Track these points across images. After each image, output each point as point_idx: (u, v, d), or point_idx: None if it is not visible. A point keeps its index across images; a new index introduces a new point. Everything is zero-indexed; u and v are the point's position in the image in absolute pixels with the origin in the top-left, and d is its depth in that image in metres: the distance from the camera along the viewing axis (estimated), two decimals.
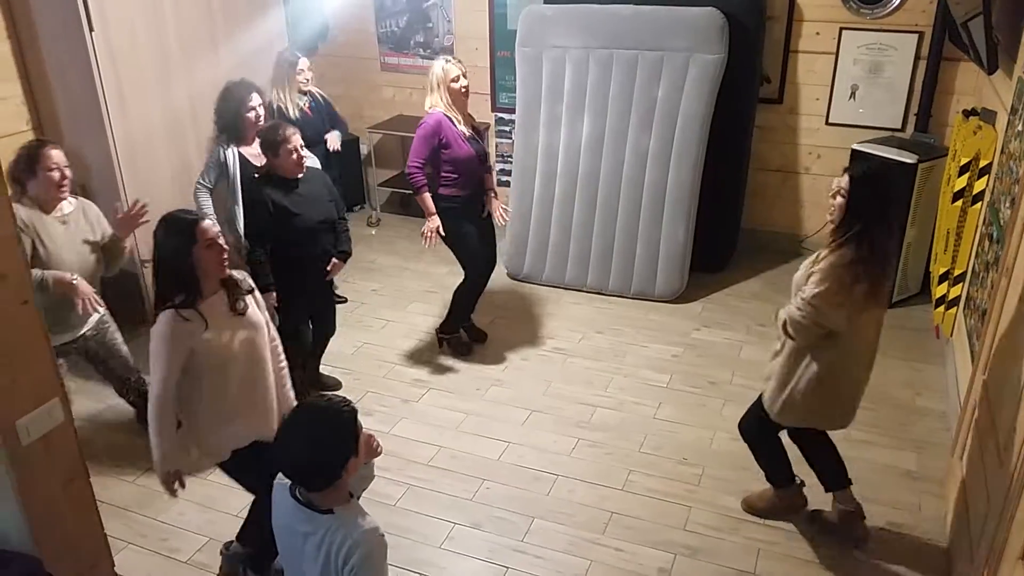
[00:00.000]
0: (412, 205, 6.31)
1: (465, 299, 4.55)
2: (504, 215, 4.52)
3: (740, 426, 3.31)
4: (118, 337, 3.71)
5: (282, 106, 4.67)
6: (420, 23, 6.10)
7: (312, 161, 4.12)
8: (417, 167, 4.08)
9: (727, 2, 4.78)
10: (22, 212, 3.26)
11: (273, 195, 3.62)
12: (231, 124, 4.10)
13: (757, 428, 3.22)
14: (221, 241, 2.59)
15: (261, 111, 4.14)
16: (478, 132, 4.29)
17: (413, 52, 6.15)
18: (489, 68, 6.00)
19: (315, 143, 4.65)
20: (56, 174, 3.34)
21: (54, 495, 2.29)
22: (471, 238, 4.34)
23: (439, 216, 4.18)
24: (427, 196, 4.14)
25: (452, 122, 4.10)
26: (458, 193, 4.20)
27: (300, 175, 3.68)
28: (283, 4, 5.53)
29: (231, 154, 4.12)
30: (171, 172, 4.87)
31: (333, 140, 4.93)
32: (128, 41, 4.49)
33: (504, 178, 6.19)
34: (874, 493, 3.46)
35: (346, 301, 5.19)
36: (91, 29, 4.25)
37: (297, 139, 3.62)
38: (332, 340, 4.61)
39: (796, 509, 3.33)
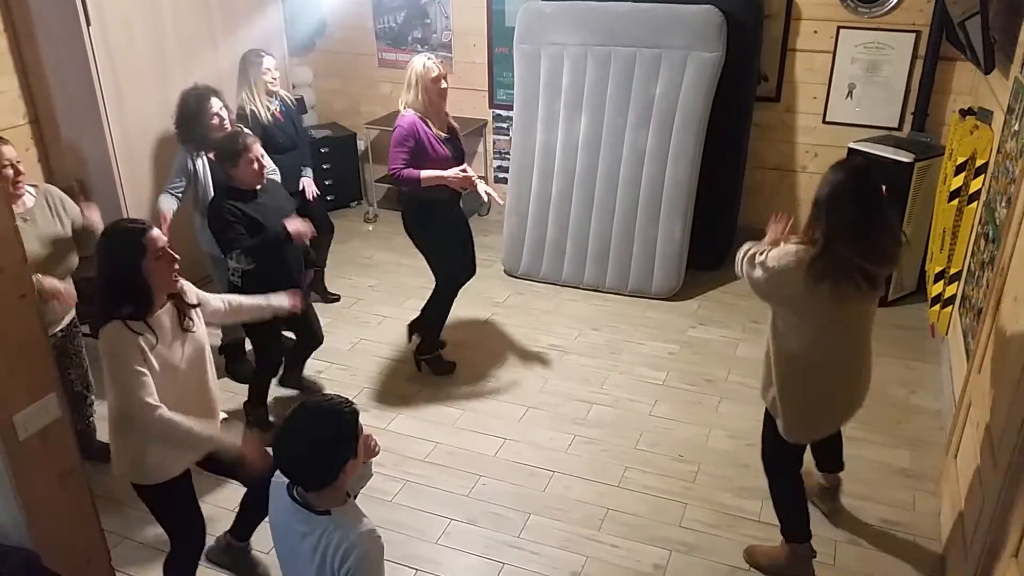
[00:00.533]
0: None
1: (436, 311, 4.33)
2: (498, 197, 4.27)
3: (761, 456, 3.10)
4: (82, 346, 3.52)
5: (254, 109, 4.40)
6: (418, 19, 6.10)
7: (274, 175, 3.98)
8: (400, 166, 3.85)
9: (725, 0, 4.79)
10: None
11: (238, 207, 3.45)
12: (194, 132, 3.90)
13: (771, 464, 3.05)
14: (170, 251, 2.46)
15: (224, 114, 3.92)
16: (453, 132, 4.06)
17: (411, 48, 6.15)
18: (487, 65, 6.00)
19: (286, 149, 4.46)
20: (9, 171, 3.07)
21: (51, 489, 2.30)
22: (447, 244, 4.15)
23: (414, 219, 4.05)
24: (424, 172, 3.86)
25: (426, 124, 3.88)
26: (436, 197, 3.97)
27: (259, 186, 3.54)
28: (281, 1, 5.53)
29: (200, 163, 3.95)
30: (168, 168, 4.85)
31: (309, 187, 4.64)
32: (125, 37, 4.48)
33: (501, 175, 6.20)
34: (868, 490, 3.48)
35: (339, 299, 5.18)
36: (88, 24, 4.25)
37: (258, 148, 3.47)
38: (329, 335, 4.62)
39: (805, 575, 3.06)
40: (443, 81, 3.90)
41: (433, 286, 4.31)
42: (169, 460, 2.57)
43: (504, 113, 6.05)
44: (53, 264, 3.21)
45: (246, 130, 3.69)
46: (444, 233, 4.12)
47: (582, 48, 5.03)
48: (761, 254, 2.73)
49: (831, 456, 3.35)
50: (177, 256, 2.48)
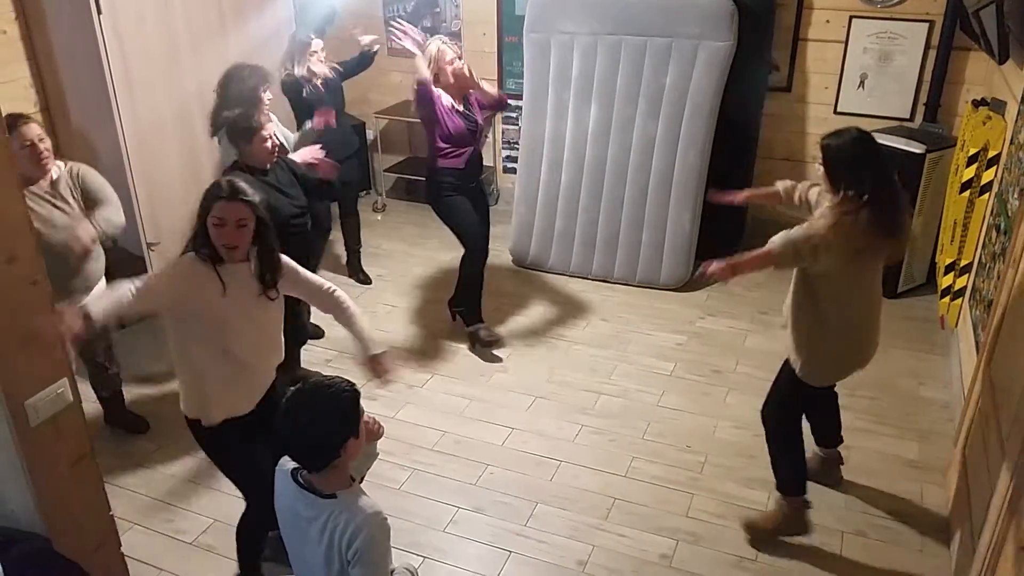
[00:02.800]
0: (418, 191, 6.32)
1: (470, 271, 4.49)
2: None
3: (762, 412, 3.23)
4: None
5: (305, 83, 4.57)
6: (427, 8, 6.08)
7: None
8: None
9: None
10: None
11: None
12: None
13: (778, 412, 3.17)
14: (230, 226, 2.52)
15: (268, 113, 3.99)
16: (471, 106, 4.29)
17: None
18: (496, 54, 5.98)
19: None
20: (29, 150, 3.22)
21: (62, 475, 2.31)
22: (468, 213, 4.36)
23: (435, 189, 4.31)
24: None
25: (439, 95, 4.15)
26: (455, 166, 4.26)
27: (269, 165, 3.60)
28: None
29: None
30: (179, 157, 4.87)
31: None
32: (136, 25, 4.48)
33: (510, 164, 6.19)
34: (876, 481, 3.48)
35: (371, 282, 5.28)
36: (99, 12, 4.25)
37: (271, 128, 3.56)
38: (335, 323, 4.60)
39: (799, 528, 3.19)
40: (457, 61, 4.18)
41: (446, 272, 4.57)
42: (226, 399, 2.67)
43: (513, 102, 6.02)
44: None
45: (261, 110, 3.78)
46: (456, 202, 4.33)
47: (592, 37, 5.01)
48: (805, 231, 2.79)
49: (830, 430, 3.43)
50: (236, 236, 2.55)
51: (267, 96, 4.02)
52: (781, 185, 3.23)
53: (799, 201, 3.15)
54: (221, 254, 2.57)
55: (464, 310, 4.60)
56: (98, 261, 3.51)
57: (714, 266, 2.76)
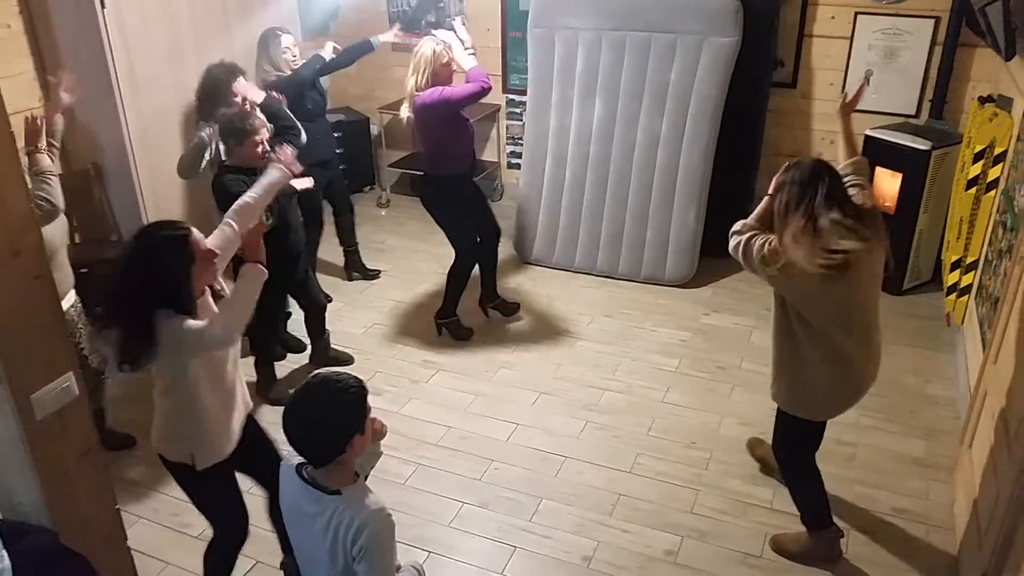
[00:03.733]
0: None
1: (454, 283, 4.52)
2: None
3: (772, 446, 3.14)
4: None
5: (279, 76, 4.47)
6: (431, 3, 6.07)
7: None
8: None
9: None
10: None
11: (244, 180, 3.44)
12: (211, 104, 3.92)
13: (783, 447, 3.07)
14: (209, 249, 2.41)
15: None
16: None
17: (424, 32, 6.09)
18: (500, 49, 5.98)
19: (315, 116, 4.57)
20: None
21: (68, 469, 2.31)
22: (469, 220, 4.38)
23: (448, 194, 4.26)
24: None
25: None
26: (463, 169, 4.27)
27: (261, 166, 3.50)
28: None
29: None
30: (183, 151, 4.87)
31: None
32: (139, 19, 4.48)
33: (514, 160, 6.18)
34: (882, 480, 3.47)
35: (379, 275, 5.31)
36: (103, 6, 4.24)
37: (265, 132, 3.54)
38: (343, 320, 4.65)
39: (832, 558, 3.08)
40: (453, 65, 4.08)
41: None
42: (220, 442, 2.56)
43: (517, 98, 6.02)
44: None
45: (258, 113, 3.71)
46: (457, 209, 4.33)
47: (596, 33, 5.00)
48: (763, 247, 2.69)
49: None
50: (216, 251, 2.43)
51: (239, 87, 3.92)
52: (858, 159, 3.05)
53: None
54: (198, 295, 2.40)
55: (445, 304, 4.59)
56: (60, 270, 3.23)
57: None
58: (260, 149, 3.51)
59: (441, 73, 4.05)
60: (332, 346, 4.36)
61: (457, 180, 4.27)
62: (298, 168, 3.11)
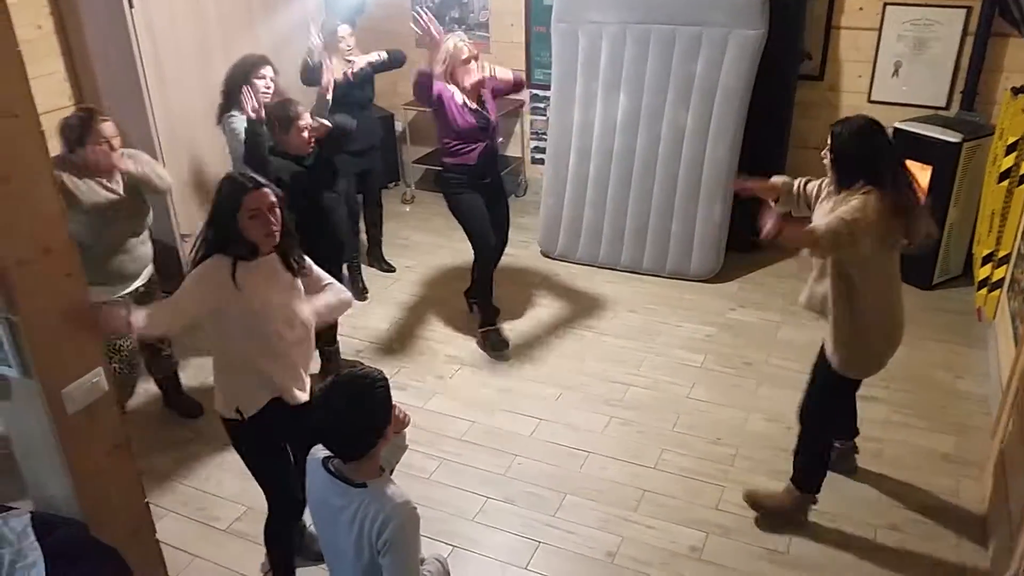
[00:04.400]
0: None
1: (482, 276, 4.49)
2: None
3: (801, 413, 3.15)
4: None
5: (328, 67, 4.54)
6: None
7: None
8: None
9: None
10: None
11: (283, 171, 3.53)
12: (237, 93, 3.88)
13: (820, 412, 3.10)
14: (267, 214, 2.51)
15: (271, 83, 3.99)
16: (484, 102, 4.19)
17: (448, 28, 6.10)
18: (524, 44, 5.96)
19: (360, 109, 4.61)
20: (105, 147, 3.28)
21: (98, 463, 2.35)
22: (478, 210, 4.30)
23: (443, 184, 4.31)
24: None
25: (453, 93, 4.07)
26: (465, 162, 4.19)
27: (308, 153, 3.62)
28: None
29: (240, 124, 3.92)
30: (211, 150, 4.91)
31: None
32: (168, 18, 4.53)
33: (538, 155, 6.17)
34: (911, 476, 3.43)
35: (395, 270, 5.33)
36: (131, 6, 4.30)
37: (308, 118, 3.57)
38: (367, 315, 4.67)
39: (799, 521, 3.21)
40: (473, 62, 4.08)
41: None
42: (254, 392, 2.64)
43: (541, 93, 6.01)
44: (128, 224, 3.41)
45: (297, 101, 3.76)
46: (467, 201, 4.29)
47: (620, 26, 4.97)
48: (839, 221, 2.69)
49: (849, 422, 3.39)
50: (274, 220, 2.53)
51: (262, 79, 3.94)
52: (779, 179, 3.17)
53: (796, 194, 3.09)
54: (260, 246, 2.54)
55: (479, 303, 4.59)
56: (146, 244, 3.57)
57: (769, 225, 2.70)
58: (306, 135, 3.56)
59: (459, 69, 4.06)
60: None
61: (458, 171, 4.30)
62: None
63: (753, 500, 3.27)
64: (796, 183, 3.11)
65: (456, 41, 4.07)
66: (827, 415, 3.14)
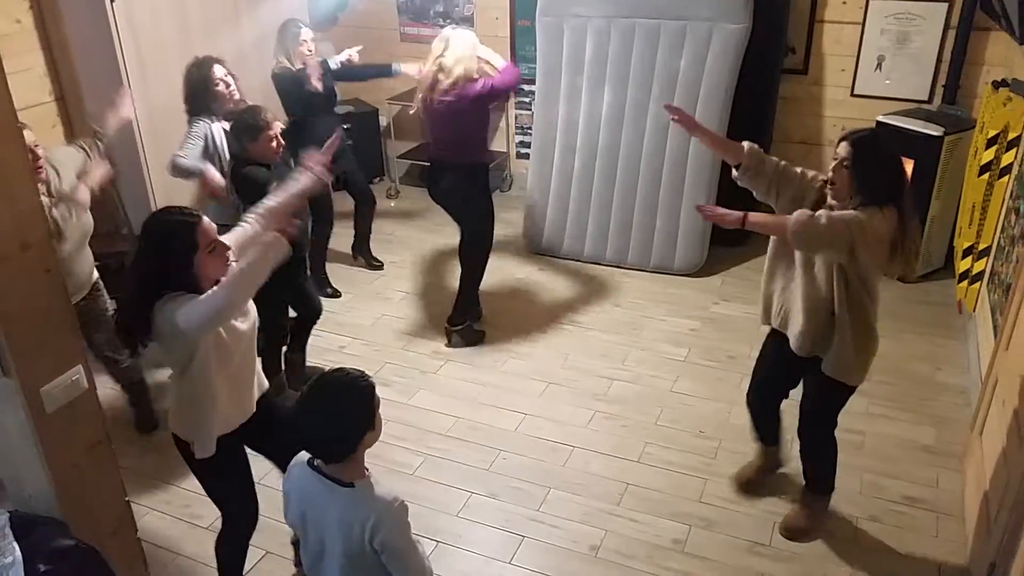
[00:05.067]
0: None
1: (478, 276, 4.47)
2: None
3: (802, 431, 3.07)
4: (107, 308, 3.50)
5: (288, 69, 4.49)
6: None
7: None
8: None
9: None
10: None
11: (265, 175, 3.45)
12: (204, 102, 3.84)
13: (827, 424, 3.03)
14: (222, 242, 2.35)
15: (229, 80, 3.90)
16: None
17: (433, 22, 6.11)
18: (509, 38, 5.95)
19: (323, 113, 4.58)
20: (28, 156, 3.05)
21: (78, 461, 2.34)
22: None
23: (480, 181, 4.27)
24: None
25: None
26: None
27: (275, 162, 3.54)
28: None
29: (216, 129, 3.86)
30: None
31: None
32: (148, 12, 4.49)
33: (523, 150, 6.16)
34: (891, 467, 3.46)
35: (383, 266, 5.29)
36: (112, 0, 4.26)
37: (278, 125, 3.50)
38: (352, 311, 4.65)
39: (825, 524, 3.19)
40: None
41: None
42: (227, 416, 2.49)
43: (526, 87, 6.00)
44: (75, 227, 3.22)
45: (266, 107, 3.69)
46: (488, 193, 4.36)
47: (605, 20, 4.97)
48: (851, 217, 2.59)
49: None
50: (229, 245, 2.37)
51: (218, 76, 3.86)
52: (748, 144, 2.92)
53: (772, 173, 2.87)
54: (206, 285, 2.28)
55: (470, 311, 4.52)
56: (87, 259, 3.40)
57: (721, 211, 2.69)
58: (275, 144, 3.48)
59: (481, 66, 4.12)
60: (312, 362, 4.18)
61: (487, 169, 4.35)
62: (329, 177, 2.98)
63: (794, 530, 3.15)
64: (774, 160, 2.90)
65: (472, 37, 4.08)
66: (833, 427, 3.04)
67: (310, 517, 2.06)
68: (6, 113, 2.03)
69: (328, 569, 2.06)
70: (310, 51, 4.56)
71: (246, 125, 3.45)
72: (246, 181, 3.46)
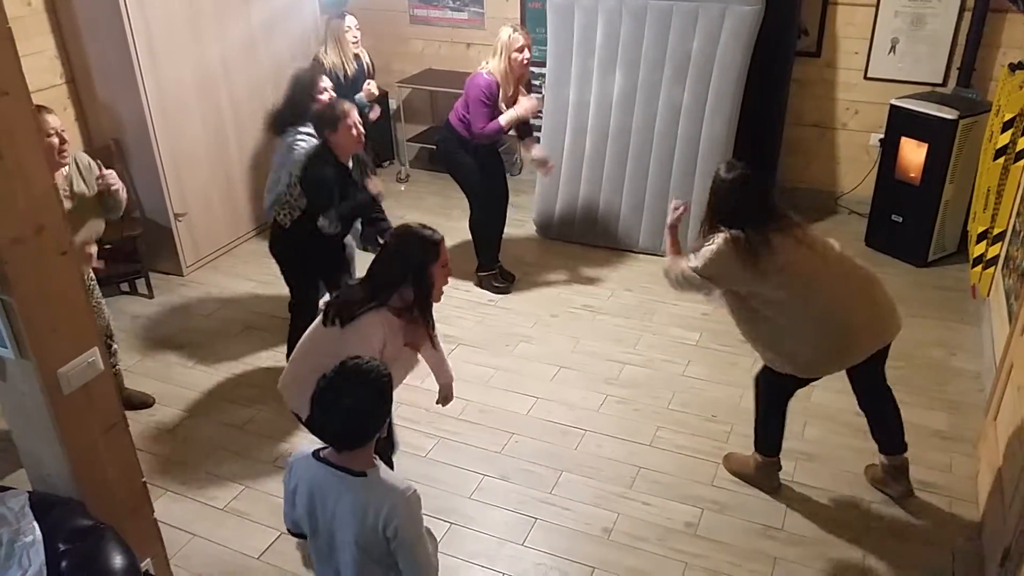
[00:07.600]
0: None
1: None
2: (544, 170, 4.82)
3: (756, 377, 3.23)
4: (101, 299, 3.58)
5: (335, 71, 4.59)
6: None
7: None
8: (483, 124, 4.35)
9: None
10: None
11: (337, 171, 3.50)
12: (305, 109, 3.83)
13: (767, 386, 3.17)
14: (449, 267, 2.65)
15: (330, 92, 3.94)
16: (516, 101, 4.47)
17: (443, 4, 6.07)
18: (520, 20, 5.91)
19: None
20: (55, 140, 3.06)
21: (94, 442, 2.35)
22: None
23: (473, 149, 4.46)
24: (502, 118, 4.40)
25: (498, 89, 4.33)
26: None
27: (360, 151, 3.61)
28: None
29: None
30: (203, 127, 4.89)
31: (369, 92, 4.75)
32: None
33: (534, 133, 6.12)
34: None
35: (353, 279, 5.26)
36: None
37: (355, 114, 3.52)
38: None
39: (770, 485, 3.28)
40: (526, 51, 4.32)
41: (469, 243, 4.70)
42: None
43: (537, 70, 5.95)
44: (80, 227, 3.24)
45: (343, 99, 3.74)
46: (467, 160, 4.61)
47: (617, 2, 4.92)
48: (691, 264, 2.92)
49: (889, 433, 3.20)
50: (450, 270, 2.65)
51: (324, 85, 3.93)
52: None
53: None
54: (436, 298, 2.65)
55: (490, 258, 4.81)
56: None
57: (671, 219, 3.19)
58: (356, 132, 3.52)
59: (515, 58, 4.28)
60: None
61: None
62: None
63: (727, 464, 3.41)
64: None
65: (510, 32, 4.29)
66: (776, 400, 3.17)
67: (320, 508, 2.05)
68: (21, 96, 2.02)
69: (341, 560, 2.06)
70: (355, 39, 4.69)
71: (327, 117, 3.49)
72: (319, 176, 3.48)
